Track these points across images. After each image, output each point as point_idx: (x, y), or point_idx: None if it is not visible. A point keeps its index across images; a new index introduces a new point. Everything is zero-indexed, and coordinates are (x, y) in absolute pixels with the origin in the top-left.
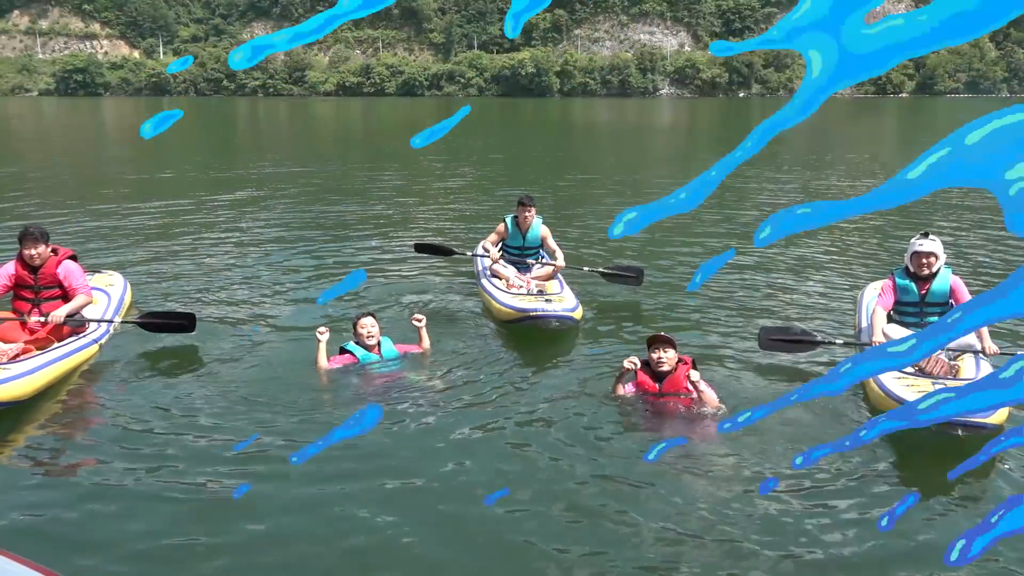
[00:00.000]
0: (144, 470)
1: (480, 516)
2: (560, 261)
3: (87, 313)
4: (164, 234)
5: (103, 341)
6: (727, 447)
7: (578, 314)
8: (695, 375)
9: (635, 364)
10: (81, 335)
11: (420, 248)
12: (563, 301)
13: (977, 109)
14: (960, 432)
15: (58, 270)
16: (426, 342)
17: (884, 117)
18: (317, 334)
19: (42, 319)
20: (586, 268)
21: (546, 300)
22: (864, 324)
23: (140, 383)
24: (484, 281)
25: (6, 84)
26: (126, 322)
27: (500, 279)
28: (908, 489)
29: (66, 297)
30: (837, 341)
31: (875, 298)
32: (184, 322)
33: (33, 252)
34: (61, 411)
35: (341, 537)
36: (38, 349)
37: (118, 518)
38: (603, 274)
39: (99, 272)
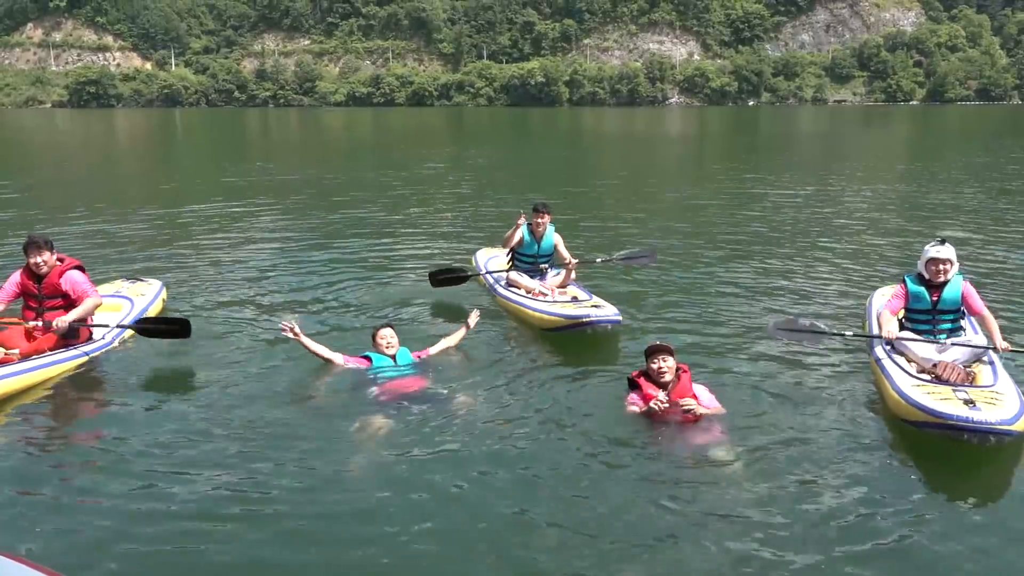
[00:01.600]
0: (145, 475)
1: (476, 521)
2: (572, 275)
3: (98, 318)
4: (178, 242)
5: (96, 354)
6: (739, 455)
7: (621, 317)
8: (697, 387)
9: (662, 403)
10: (71, 347)
11: (436, 279)
12: (606, 307)
13: (988, 117)
14: (975, 439)
15: (61, 280)
16: (451, 341)
17: (894, 125)
18: (287, 332)
19: (40, 323)
20: (599, 259)
21: (594, 306)
22: (875, 330)
23: (147, 387)
24: (502, 290)
25: (20, 96)
26: (120, 326)
27: (519, 288)
28: (921, 497)
29: (70, 306)
30: (847, 332)
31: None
32: (177, 327)
33: (39, 260)
34: (64, 416)
35: (339, 543)
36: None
37: (119, 521)
38: (619, 260)
39: (139, 280)
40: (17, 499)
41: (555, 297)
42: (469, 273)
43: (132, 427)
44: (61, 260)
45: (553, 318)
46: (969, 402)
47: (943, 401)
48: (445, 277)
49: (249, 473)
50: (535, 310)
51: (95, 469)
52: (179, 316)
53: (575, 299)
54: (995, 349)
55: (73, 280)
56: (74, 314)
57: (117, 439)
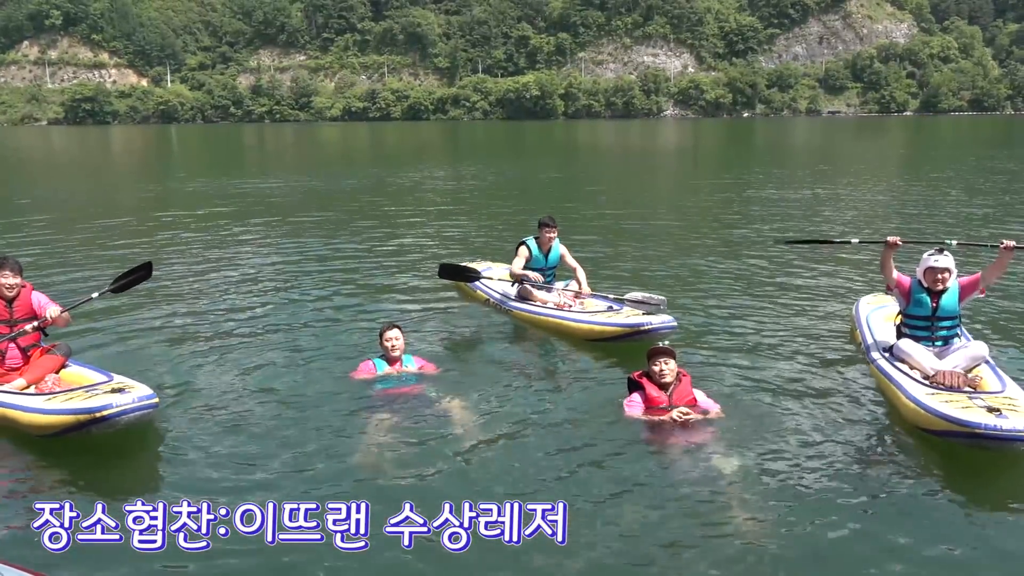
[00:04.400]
0: (147, 485)
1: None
2: (584, 284)
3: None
4: (175, 255)
5: None
6: (740, 456)
7: (676, 323)
8: (701, 396)
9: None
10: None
11: (445, 271)
12: (658, 314)
13: (981, 127)
14: (997, 446)
15: (31, 301)
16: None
17: (888, 135)
18: None
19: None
20: (611, 296)
21: (646, 314)
22: (870, 339)
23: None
24: (523, 304)
25: (16, 114)
26: (103, 294)
27: (535, 300)
28: (932, 501)
29: (38, 330)
30: (853, 240)
31: (874, 310)
32: (144, 272)
33: (11, 282)
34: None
35: (336, 556)
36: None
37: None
38: (627, 302)
39: None
40: (7, 504)
41: (586, 307)
42: (479, 275)
43: (126, 438)
44: (24, 285)
45: (608, 328)
46: (993, 410)
47: (965, 410)
48: (454, 271)
49: (240, 482)
50: (581, 322)
51: (84, 477)
52: (139, 263)
53: (610, 308)
54: (1005, 248)
55: (41, 301)
56: (59, 308)
57: (110, 448)
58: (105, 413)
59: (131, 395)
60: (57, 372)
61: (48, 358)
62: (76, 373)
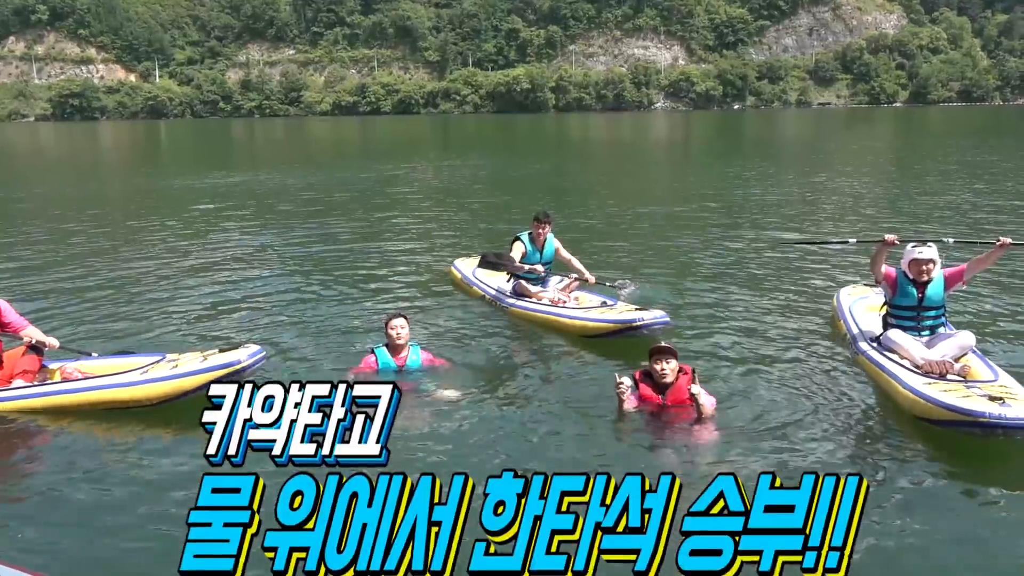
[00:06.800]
0: (147, 486)
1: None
2: (587, 274)
3: None
4: (169, 255)
5: None
6: (732, 457)
7: (670, 319)
8: (696, 389)
9: (624, 388)
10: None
11: (485, 262)
12: (652, 310)
13: (970, 118)
14: (1000, 434)
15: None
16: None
17: (877, 126)
18: None
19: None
20: (608, 283)
21: (638, 309)
22: (856, 330)
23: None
24: (518, 301)
25: (3, 110)
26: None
27: (530, 297)
28: (936, 490)
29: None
30: (851, 240)
31: (856, 301)
32: None
33: None
34: (61, 430)
35: None
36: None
37: (107, 527)
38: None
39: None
40: (8, 507)
41: (580, 304)
42: (512, 266)
43: (130, 434)
44: None
45: (601, 324)
46: (995, 399)
47: (966, 399)
48: (493, 263)
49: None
50: (574, 318)
51: (85, 480)
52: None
53: (604, 304)
54: (1001, 245)
55: (5, 308)
56: (49, 339)
57: (112, 448)
58: (242, 365)
59: (247, 351)
60: (39, 369)
61: (28, 358)
62: (103, 364)
